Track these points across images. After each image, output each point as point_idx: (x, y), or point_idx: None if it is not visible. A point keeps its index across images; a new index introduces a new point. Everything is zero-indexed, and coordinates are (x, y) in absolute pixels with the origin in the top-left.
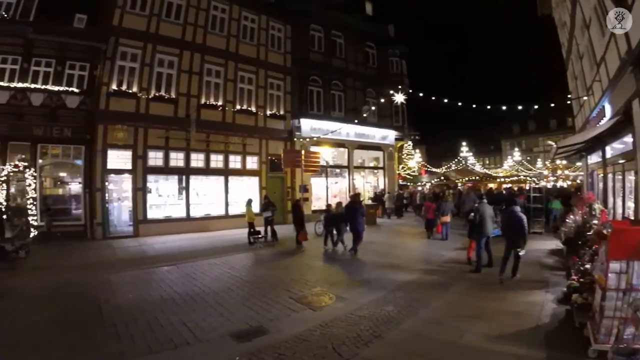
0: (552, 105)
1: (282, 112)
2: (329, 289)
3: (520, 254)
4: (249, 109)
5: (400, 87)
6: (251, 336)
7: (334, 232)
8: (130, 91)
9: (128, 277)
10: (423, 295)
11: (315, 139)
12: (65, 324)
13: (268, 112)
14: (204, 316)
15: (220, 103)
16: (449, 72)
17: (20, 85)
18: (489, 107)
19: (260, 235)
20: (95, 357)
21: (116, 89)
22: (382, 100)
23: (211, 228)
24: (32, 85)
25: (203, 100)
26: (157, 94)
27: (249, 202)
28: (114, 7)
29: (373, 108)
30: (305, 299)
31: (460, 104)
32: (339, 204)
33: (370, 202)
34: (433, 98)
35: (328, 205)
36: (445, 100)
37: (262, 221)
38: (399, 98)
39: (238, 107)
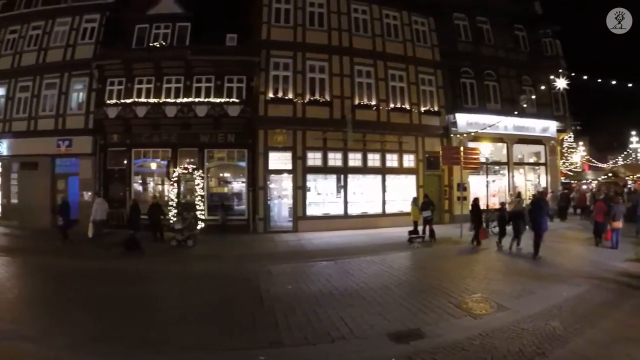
0: None
1: (436, 108)
2: (490, 295)
3: None
4: (403, 106)
5: (560, 70)
6: (408, 338)
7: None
8: (286, 97)
9: (288, 269)
10: (590, 312)
11: (472, 134)
12: (225, 308)
13: (422, 109)
14: (362, 313)
15: (373, 103)
16: (610, 48)
17: (185, 100)
18: None
19: (418, 235)
20: (253, 341)
21: (273, 96)
22: (542, 87)
23: (368, 226)
24: (197, 99)
25: (357, 101)
26: (311, 98)
27: (414, 200)
28: (260, 23)
29: (533, 97)
30: (465, 304)
31: (630, 85)
32: (517, 201)
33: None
34: (599, 80)
35: (502, 204)
36: (614, 82)
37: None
38: (560, 83)
39: (392, 105)
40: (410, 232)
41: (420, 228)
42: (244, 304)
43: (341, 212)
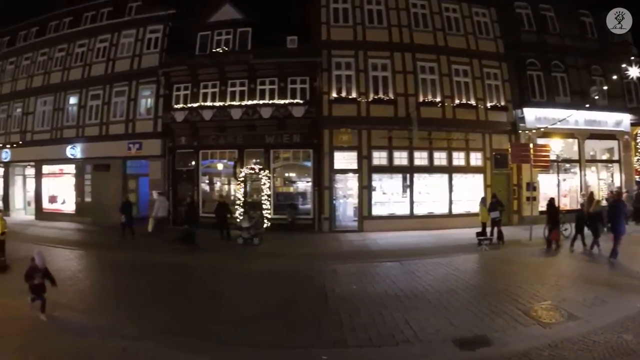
0: None
1: (502, 103)
2: (560, 303)
3: None
4: (469, 102)
5: (632, 58)
6: (474, 345)
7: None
8: (349, 97)
9: (353, 269)
10: None
11: (542, 129)
12: (290, 306)
13: (488, 105)
14: (427, 316)
15: (438, 99)
16: None
17: (250, 102)
18: None
19: (486, 237)
20: (317, 339)
21: (336, 96)
22: (614, 77)
23: (434, 226)
24: (261, 102)
25: (421, 98)
26: (375, 97)
27: (483, 200)
28: (320, 24)
29: (605, 88)
30: (533, 312)
31: None
32: (596, 202)
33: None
34: None
35: (582, 205)
36: None
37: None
38: (634, 72)
39: (457, 101)
40: (478, 234)
41: (488, 229)
42: (309, 302)
43: (407, 212)
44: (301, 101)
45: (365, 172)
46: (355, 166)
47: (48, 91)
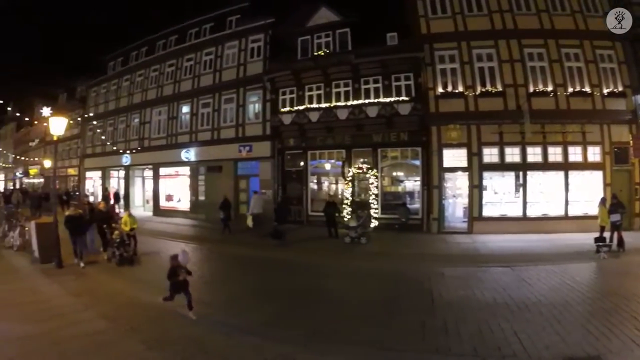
0: None
1: (620, 88)
2: None
3: None
4: (583, 89)
5: None
6: None
7: None
8: (456, 91)
9: (461, 273)
10: None
11: None
12: (395, 308)
13: (605, 91)
14: (537, 330)
15: (549, 88)
16: None
17: (355, 102)
18: None
19: (605, 243)
20: (420, 344)
21: (442, 91)
22: None
23: (548, 229)
24: (367, 101)
25: (531, 88)
26: (483, 90)
27: (603, 201)
28: (418, 17)
29: None
30: None
31: None
32: None
33: None
34: None
35: None
36: None
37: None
38: None
39: (570, 89)
40: (596, 239)
41: (606, 234)
42: (414, 305)
43: (519, 213)
44: (407, 98)
45: (476, 170)
46: (464, 164)
47: (162, 102)
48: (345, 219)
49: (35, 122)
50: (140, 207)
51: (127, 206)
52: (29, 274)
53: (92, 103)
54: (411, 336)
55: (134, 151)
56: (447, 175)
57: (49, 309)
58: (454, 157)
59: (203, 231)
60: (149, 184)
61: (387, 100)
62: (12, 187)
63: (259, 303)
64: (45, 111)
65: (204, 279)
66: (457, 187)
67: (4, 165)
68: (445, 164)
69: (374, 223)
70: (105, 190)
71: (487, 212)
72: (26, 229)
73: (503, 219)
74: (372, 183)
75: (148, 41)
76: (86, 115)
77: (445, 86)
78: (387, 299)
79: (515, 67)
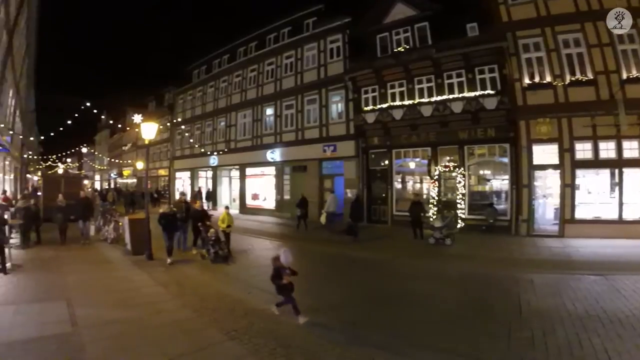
0: None
1: None
2: None
3: None
4: None
5: None
6: None
7: None
8: (543, 81)
9: (551, 280)
10: None
11: None
12: (478, 313)
13: None
14: (630, 348)
15: None
16: None
17: (439, 98)
18: None
19: None
20: (504, 355)
21: (529, 82)
22: None
23: None
24: (450, 96)
25: (624, 75)
26: (572, 79)
27: None
28: (497, 5)
29: None
30: None
31: None
32: None
33: None
34: None
35: None
36: None
37: None
38: None
39: None
40: None
41: None
42: (500, 312)
43: (614, 215)
44: (492, 92)
45: (568, 167)
46: (555, 161)
47: (246, 106)
48: (431, 220)
49: (127, 129)
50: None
51: (214, 205)
52: (121, 264)
53: (180, 109)
54: (496, 346)
55: (220, 153)
56: (537, 173)
57: (138, 296)
58: (544, 153)
59: (284, 229)
60: (236, 183)
61: (472, 94)
62: (107, 187)
63: (339, 301)
64: (136, 118)
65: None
66: (546, 186)
67: (99, 167)
68: (535, 161)
69: (460, 224)
70: (198, 190)
71: (579, 213)
72: (120, 224)
73: (596, 221)
74: (459, 182)
75: (229, 49)
76: (174, 121)
77: (532, 77)
78: (471, 304)
79: (605, 52)
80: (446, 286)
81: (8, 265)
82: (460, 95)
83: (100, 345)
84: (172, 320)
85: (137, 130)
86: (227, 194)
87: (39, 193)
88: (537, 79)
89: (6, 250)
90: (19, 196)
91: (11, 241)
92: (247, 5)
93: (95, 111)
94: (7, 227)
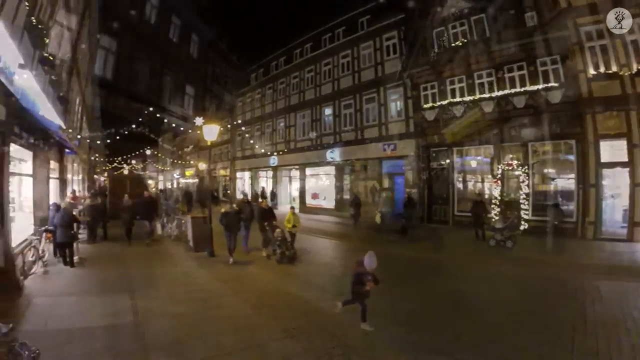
0: None
1: None
2: None
3: None
4: None
5: None
6: None
7: None
8: (609, 71)
9: (619, 288)
10: None
11: None
12: (540, 321)
13: None
14: None
15: None
16: None
17: (500, 93)
18: None
19: None
20: None
21: (594, 72)
22: None
23: None
24: (512, 90)
25: None
26: (639, 67)
27: None
28: None
29: None
30: None
31: None
32: None
33: None
34: None
35: None
36: None
37: None
38: None
39: None
40: None
41: None
42: (562, 321)
43: None
44: (556, 84)
45: (638, 164)
46: (624, 158)
47: (305, 106)
48: (492, 220)
49: (189, 131)
50: (287, 205)
51: (274, 203)
52: (183, 260)
53: (240, 111)
54: (560, 356)
55: (280, 153)
56: (605, 171)
57: (198, 291)
58: (612, 149)
59: (342, 227)
60: (295, 183)
61: (534, 88)
62: (170, 187)
63: (395, 301)
64: (198, 121)
65: (332, 272)
66: (615, 185)
67: (163, 168)
68: (603, 159)
69: (523, 225)
70: (262, 190)
71: None
72: (183, 221)
73: None
74: (523, 181)
75: (285, 51)
76: (235, 122)
77: (596, 67)
78: (531, 311)
79: None
80: (505, 291)
81: (75, 258)
82: (522, 89)
83: (159, 336)
84: (231, 315)
85: (198, 132)
86: (287, 193)
87: (106, 193)
88: (602, 69)
89: (74, 245)
90: (87, 194)
91: (79, 237)
92: (299, 8)
93: (158, 115)
94: (75, 224)
